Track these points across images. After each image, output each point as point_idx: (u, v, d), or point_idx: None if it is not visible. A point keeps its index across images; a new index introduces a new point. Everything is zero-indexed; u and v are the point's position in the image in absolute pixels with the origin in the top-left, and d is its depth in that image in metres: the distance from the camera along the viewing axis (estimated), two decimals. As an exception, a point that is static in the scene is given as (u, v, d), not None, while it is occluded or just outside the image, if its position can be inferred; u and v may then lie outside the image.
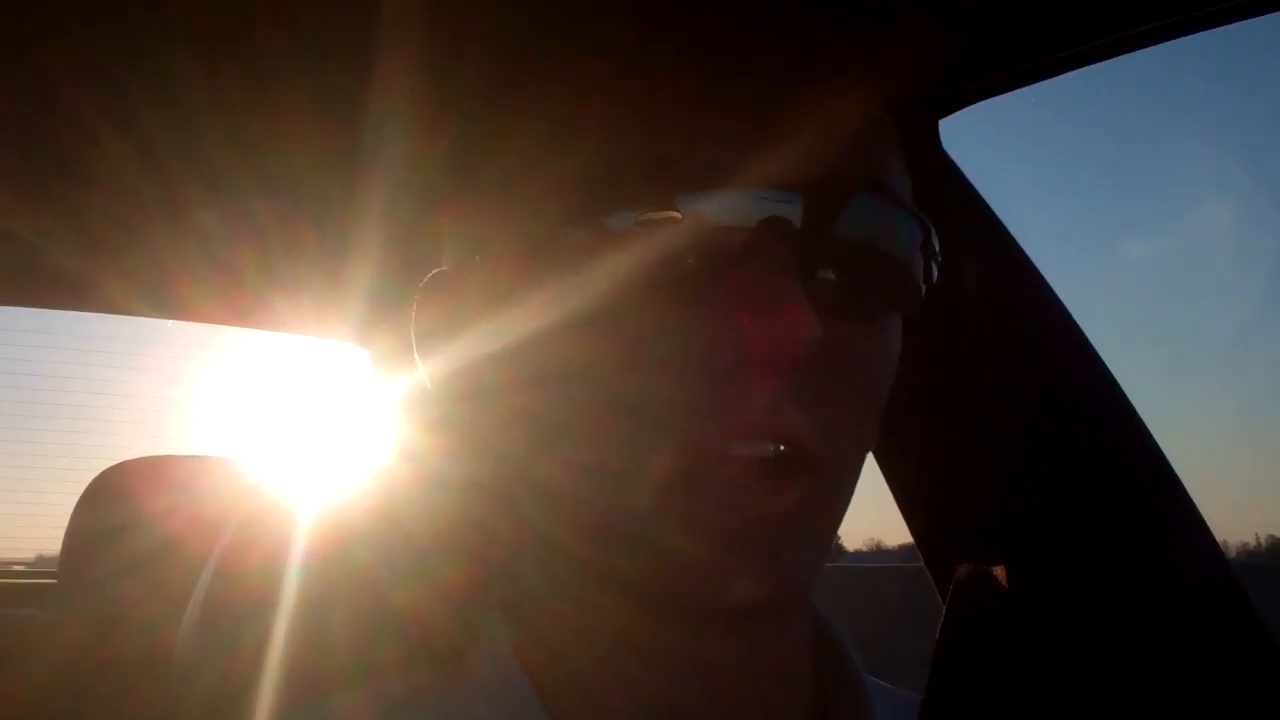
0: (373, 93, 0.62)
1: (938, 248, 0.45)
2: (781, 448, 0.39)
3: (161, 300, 1.19)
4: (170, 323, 1.30)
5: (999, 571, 0.66)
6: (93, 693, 0.87)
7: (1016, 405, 0.70)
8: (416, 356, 0.49)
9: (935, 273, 0.45)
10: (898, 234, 0.43)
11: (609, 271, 0.40)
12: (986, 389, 0.72)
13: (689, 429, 0.39)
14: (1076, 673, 0.67)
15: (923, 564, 0.78)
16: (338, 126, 0.71)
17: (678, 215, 0.39)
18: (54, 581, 1.02)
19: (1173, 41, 0.63)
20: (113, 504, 0.99)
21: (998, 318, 0.71)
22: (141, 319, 1.28)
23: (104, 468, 1.02)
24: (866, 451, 0.45)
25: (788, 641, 0.47)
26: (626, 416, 0.40)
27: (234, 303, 1.21)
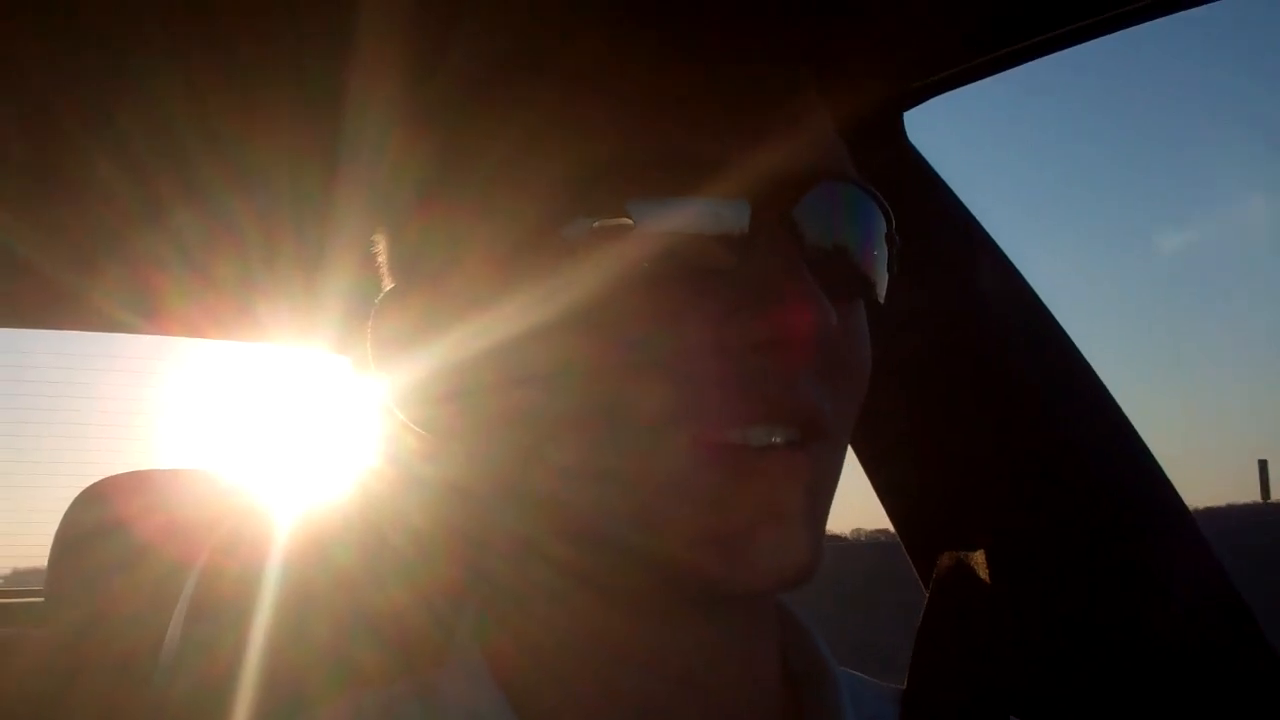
0: (351, 99, 0.62)
1: (897, 237, 0.46)
2: (792, 433, 0.39)
3: (141, 316, 1.18)
4: (148, 338, 1.29)
5: (980, 558, 0.66)
6: (78, 706, 0.86)
7: (989, 392, 0.70)
8: (374, 364, 0.49)
9: (896, 262, 0.46)
10: (871, 224, 0.44)
11: (594, 270, 0.39)
12: (959, 377, 0.72)
13: (677, 432, 0.39)
14: (1058, 659, 0.67)
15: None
16: (317, 134, 0.70)
17: (671, 210, 0.39)
18: (33, 600, 1.01)
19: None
20: (99, 518, 0.99)
21: (968, 306, 0.71)
22: (119, 335, 1.27)
23: (79, 481, 1.02)
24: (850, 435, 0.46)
25: (757, 636, 0.47)
26: (609, 419, 0.40)
27: (215, 316, 1.20)
